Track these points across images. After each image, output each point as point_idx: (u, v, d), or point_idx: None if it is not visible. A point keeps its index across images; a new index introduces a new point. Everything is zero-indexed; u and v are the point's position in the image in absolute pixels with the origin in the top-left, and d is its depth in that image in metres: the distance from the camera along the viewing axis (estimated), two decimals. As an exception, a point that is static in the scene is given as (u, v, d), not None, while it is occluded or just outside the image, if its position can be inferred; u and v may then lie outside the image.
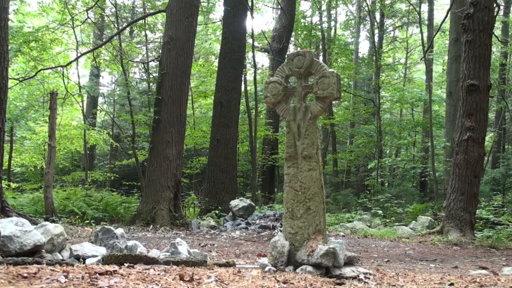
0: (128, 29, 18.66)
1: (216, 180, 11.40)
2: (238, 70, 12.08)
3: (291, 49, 20.48)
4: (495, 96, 16.45)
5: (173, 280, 2.43)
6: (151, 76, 16.71)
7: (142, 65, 18.25)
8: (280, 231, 6.84)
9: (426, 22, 18.98)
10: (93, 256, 3.42)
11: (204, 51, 22.77)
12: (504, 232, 8.11)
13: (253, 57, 12.82)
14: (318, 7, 20.12)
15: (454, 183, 8.02)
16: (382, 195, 13.98)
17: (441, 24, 12.69)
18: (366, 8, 19.44)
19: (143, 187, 10.62)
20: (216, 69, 13.05)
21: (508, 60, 18.17)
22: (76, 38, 14.13)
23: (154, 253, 3.70)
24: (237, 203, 9.35)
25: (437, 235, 7.94)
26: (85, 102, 18.55)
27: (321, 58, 20.22)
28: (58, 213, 8.56)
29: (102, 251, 3.58)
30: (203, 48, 22.23)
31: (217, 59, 13.73)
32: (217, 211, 10.42)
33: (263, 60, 30.92)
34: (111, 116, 18.66)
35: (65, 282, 2.09)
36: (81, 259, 3.36)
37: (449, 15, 13.38)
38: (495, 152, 18.39)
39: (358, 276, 3.12)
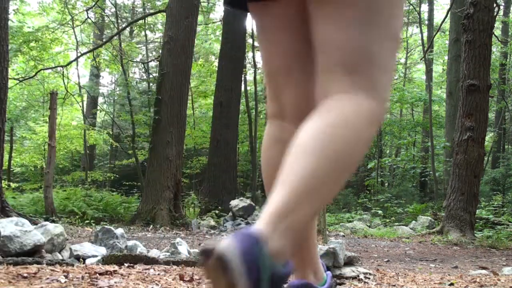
0: (128, 29, 18.65)
1: (216, 180, 11.40)
2: (238, 70, 12.08)
3: (291, 49, 20.43)
4: (495, 96, 16.43)
5: (173, 280, 2.43)
6: (151, 76, 16.71)
7: (142, 65, 18.26)
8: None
9: (426, 22, 18.96)
10: (93, 256, 3.42)
11: (204, 51, 22.74)
12: (504, 232, 8.12)
13: (253, 57, 12.84)
14: (318, 7, 20.09)
15: (454, 183, 8.03)
16: (382, 195, 13.98)
17: (441, 24, 12.70)
18: (366, 8, 19.38)
19: (143, 187, 10.63)
20: (216, 69, 13.05)
21: (508, 60, 18.15)
22: (76, 38, 14.13)
23: (154, 253, 3.70)
24: (237, 203, 9.34)
25: (437, 235, 7.95)
26: (85, 102, 18.53)
27: (321, 58, 20.17)
28: (58, 213, 8.55)
29: (102, 251, 3.58)
30: (203, 48, 22.20)
31: (217, 59, 13.73)
32: (217, 211, 10.41)
33: (263, 60, 30.93)
34: (111, 116, 18.65)
35: (65, 282, 2.09)
36: (81, 259, 3.35)
37: (449, 15, 13.38)
38: (495, 152, 18.37)
39: (358, 276, 3.12)
